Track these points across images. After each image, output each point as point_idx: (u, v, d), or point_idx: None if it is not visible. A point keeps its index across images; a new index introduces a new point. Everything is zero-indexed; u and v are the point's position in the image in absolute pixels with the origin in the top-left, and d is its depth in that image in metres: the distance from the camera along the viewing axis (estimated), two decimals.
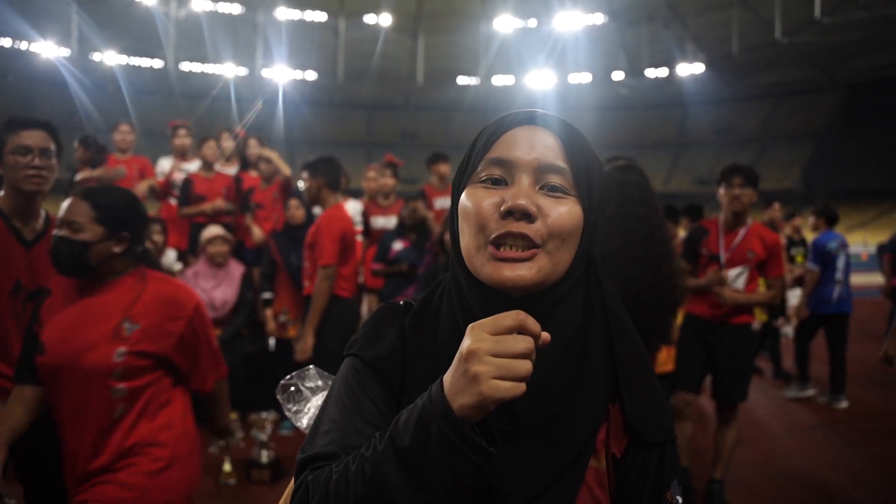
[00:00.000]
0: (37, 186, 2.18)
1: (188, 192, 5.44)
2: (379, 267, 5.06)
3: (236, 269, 4.77)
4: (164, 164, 6.01)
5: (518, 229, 0.81)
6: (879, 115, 36.18)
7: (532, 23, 40.33)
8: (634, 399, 0.87)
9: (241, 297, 4.71)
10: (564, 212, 0.83)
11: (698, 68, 40.37)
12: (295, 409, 1.23)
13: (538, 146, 0.85)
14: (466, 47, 42.53)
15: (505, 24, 40.14)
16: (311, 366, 1.29)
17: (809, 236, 6.38)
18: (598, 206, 0.90)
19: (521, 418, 0.82)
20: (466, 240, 0.86)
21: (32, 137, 2.18)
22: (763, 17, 36.17)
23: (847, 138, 38.25)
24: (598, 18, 39.30)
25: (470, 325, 0.73)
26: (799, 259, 7.15)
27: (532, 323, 0.72)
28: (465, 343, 0.71)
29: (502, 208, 0.81)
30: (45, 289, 2.01)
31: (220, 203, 5.41)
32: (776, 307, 6.15)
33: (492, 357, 0.69)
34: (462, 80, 44.62)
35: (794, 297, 7.08)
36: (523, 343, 0.71)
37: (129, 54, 37.27)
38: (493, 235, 0.82)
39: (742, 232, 3.49)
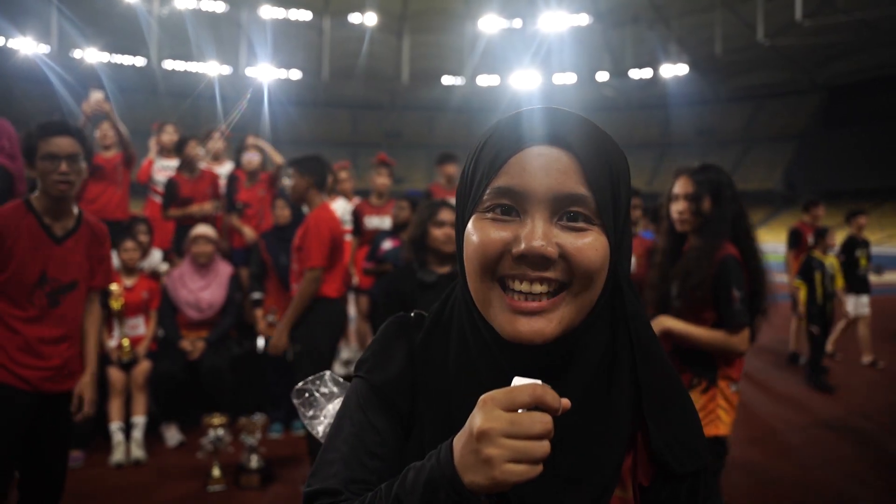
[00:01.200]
0: (62, 192, 2.36)
1: (174, 193, 5.34)
2: (370, 266, 5.05)
3: (224, 270, 4.69)
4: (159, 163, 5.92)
5: (536, 275, 0.72)
6: (860, 116, 36.71)
7: (517, 23, 40.41)
8: (660, 427, 0.80)
9: (228, 298, 4.62)
10: (588, 246, 0.73)
11: (682, 69, 40.68)
12: (311, 415, 1.19)
13: (553, 172, 0.73)
14: (451, 47, 42.51)
15: (490, 24, 40.17)
16: (326, 371, 1.25)
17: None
18: (626, 223, 0.79)
19: None
20: (473, 281, 0.77)
21: (60, 145, 2.35)
22: (745, 20, 36.54)
23: (829, 140, 38.74)
24: (583, 19, 39.47)
25: (481, 399, 0.66)
26: (863, 262, 6.98)
27: (551, 397, 0.65)
28: (477, 420, 0.65)
29: (514, 251, 0.72)
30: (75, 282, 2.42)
31: (207, 206, 5.33)
32: (814, 314, 6.13)
33: (505, 439, 0.63)
34: (447, 79, 44.62)
35: (850, 303, 6.87)
36: (541, 424, 0.64)
37: (110, 51, 36.82)
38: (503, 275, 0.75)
39: None
